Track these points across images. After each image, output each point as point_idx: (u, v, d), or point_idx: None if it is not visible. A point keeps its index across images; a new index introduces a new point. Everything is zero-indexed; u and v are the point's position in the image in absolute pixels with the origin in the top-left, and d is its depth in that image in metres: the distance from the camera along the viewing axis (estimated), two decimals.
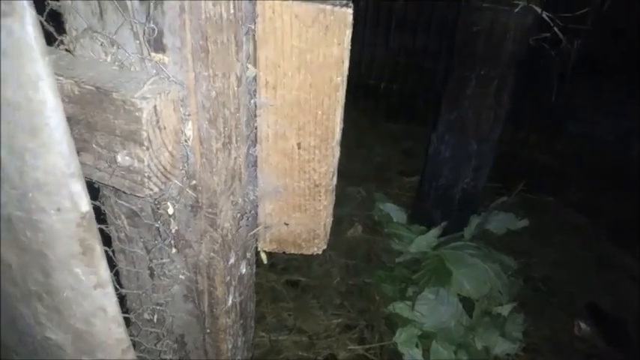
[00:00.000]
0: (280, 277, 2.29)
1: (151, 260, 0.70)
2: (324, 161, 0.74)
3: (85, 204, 0.43)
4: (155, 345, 0.80)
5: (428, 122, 2.78)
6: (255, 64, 0.66)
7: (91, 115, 0.52)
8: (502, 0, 1.91)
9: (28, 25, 0.35)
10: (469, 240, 2.49)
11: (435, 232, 2.46)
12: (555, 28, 1.88)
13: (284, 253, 0.87)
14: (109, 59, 0.55)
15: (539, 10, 1.89)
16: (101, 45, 0.55)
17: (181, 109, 0.55)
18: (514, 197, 2.91)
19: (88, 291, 0.47)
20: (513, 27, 1.97)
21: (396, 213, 2.74)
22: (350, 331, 2.08)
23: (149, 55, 0.53)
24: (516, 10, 1.89)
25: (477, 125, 2.31)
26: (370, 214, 2.77)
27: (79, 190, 0.42)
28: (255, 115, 0.70)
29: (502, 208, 2.84)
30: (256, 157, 0.74)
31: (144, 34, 0.52)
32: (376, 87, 3.24)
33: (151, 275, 0.73)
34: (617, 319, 2.35)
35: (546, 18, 1.88)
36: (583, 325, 2.21)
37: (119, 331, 0.50)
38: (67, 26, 0.55)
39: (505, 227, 2.76)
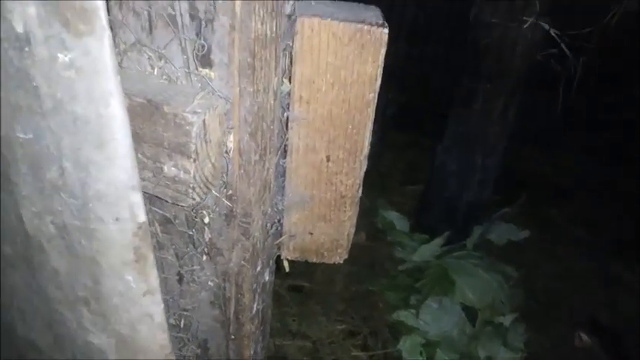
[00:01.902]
0: (284, 281, 2.30)
1: (181, 267, 0.72)
2: (352, 174, 0.76)
3: (142, 214, 0.45)
4: (180, 350, 0.81)
5: (431, 132, 2.81)
6: (290, 79, 0.68)
7: (140, 127, 0.53)
8: (511, 16, 1.94)
9: (106, 44, 0.37)
10: (472, 250, 2.51)
11: (438, 241, 2.48)
12: (562, 45, 1.91)
13: (306, 261, 0.89)
14: (155, 72, 0.57)
15: (547, 26, 1.92)
16: (148, 58, 0.56)
17: (225, 122, 0.57)
18: (516, 208, 2.94)
19: (137, 298, 0.49)
20: (521, 42, 2.00)
21: (398, 221, 2.76)
22: (353, 338, 2.09)
23: (196, 69, 0.55)
24: (525, 25, 1.92)
25: (483, 139, 2.33)
26: (373, 221, 2.79)
27: (138, 201, 0.44)
28: (287, 128, 0.72)
29: (504, 219, 2.86)
30: (285, 168, 0.76)
31: (193, 49, 0.54)
32: (384, 97, 3.27)
33: (180, 281, 0.74)
34: (615, 331, 2.37)
35: (554, 35, 1.91)
36: (584, 337, 2.23)
37: (164, 337, 0.52)
38: (115, 39, 0.57)
39: (506, 238, 2.78)
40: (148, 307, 0.49)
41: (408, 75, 3.02)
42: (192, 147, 0.52)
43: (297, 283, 2.32)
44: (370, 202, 2.93)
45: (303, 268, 2.37)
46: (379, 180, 3.13)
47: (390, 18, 0.71)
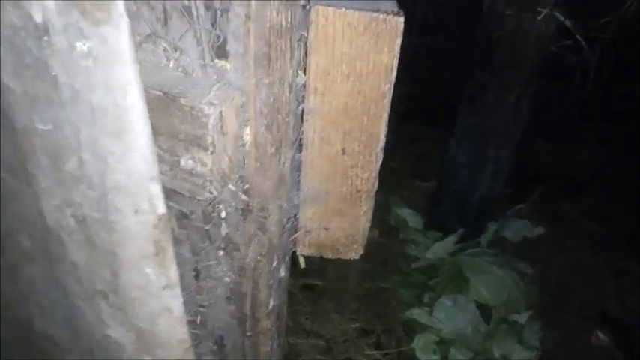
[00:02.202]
0: (297, 280, 2.30)
1: (197, 262, 0.71)
2: (368, 167, 0.75)
3: (162, 206, 0.44)
4: (196, 347, 0.81)
5: (443, 126, 2.79)
6: (304, 71, 0.67)
7: (156, 119, 0.53)
8: (525, 7, 1.91)
9: (123, 32, 0.37)
10: (486, 247, 2.49)
11: (452, 238, 2.46)
12: (578, 36, 1.88)
13: (319, 259, 0.88)
14: (171, 64, 0.56)
15: (562, 17, 1.90)
16: (164, 50, 0.56)
17: (241, 114, 0.56)
18: (530, 204, 2.91)
19: (157, 291, 0.48)
20: (535, 34, 1.97)
21: (412, 218, 2.74)
22: (367, 336, 2.08)
23: (212, 61, 0.55)
24: (539, 17, 1.89)
25: (495, 132, 2.31)
26: (386, 218, 2.78)
27: (158, 192, 0.43)
28: (302, 121, 0.71)
29: (518, 215, 2.83)
30: (300, 162, 0.75)
31: (209, 40, 0.53)
32: (397, 90, 3.22)
33: (196, 277, 0.74)
34: (630, 326, 2.33)
35: (569, 26, 1.88)
36: (601, 335, 2.20)
37: (183, 331, 0.51)
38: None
39: (521, 234, 2.75)
40: (167, 301, 0.49)
41: (420, 68, 3.01)
42: (209, 139, 0.51)
43: (310, 282, 2.31)
44: (383, 198, 2.91)
45: (315, 265, 2.37)
46: (391, 175, 3.11)
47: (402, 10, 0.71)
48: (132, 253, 0.46)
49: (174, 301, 0.49)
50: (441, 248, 2.47)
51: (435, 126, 3.29)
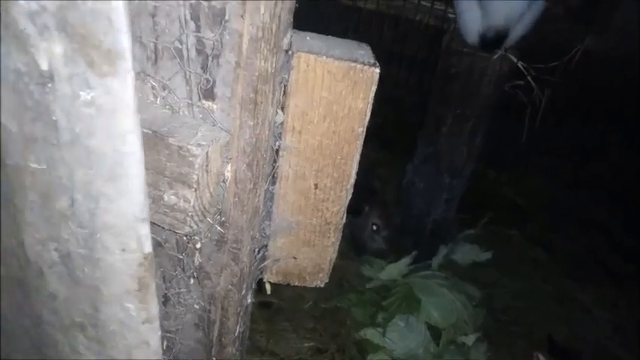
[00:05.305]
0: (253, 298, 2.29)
1: (167, 289, 0.72)
2: (338, 201, 0.79)
3: (149, 245, 0.46)
4: None
5: (401, 152, 2.89)
6: (283, 110, 0.70)
7: None
8: None
9: (129, 85, 0.39)
10: (437, 269, 2.58)
11: (406, 260, 2.53)
12: (529, 77, 2.02)
13: (288, 284, 0.91)
14: (158, 102, 0.58)
15: (514, 59, 2.03)
16: (152, 88, 0.58)
17: (224, 153, 0.59)
18: (479, 230, 3.03)
19: (137, 325, 0.49)
20: (490, 72, 2.10)
21: None
22: (321, 355, 2.10)
23: (199, 101, 0.57)
24: (494, 57, 2.02)
25: (451, 161, 2.42)
26: (342, 240, 2.82)
27: (147, 232, 0.45)
28: (278, 156, 0.74)
29: (468, 240, 2.95)
30: (273, 194, 0.78)
31: (198, 82, 0.56)
32: None
33: (165, 303, 0.75)
34: (571, 351, 2.47)
35: (521, 67, 2.02)
36: (542, 358, 2.31)
37: None
38: None
39: (470, 258, 2.86)
40: (146, 335, 0.50)
41: (383, 97, 3.13)
42: (195, 177, 0.53)
43: (266, 300, 2.31)
44: None
45: (272, 284, 2.37)
46: None
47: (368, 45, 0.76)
48: (115, 289, 0.47)
49: (153, 334, 0.50)
50: (394, 270, 2.53)
51: (395, 152, 3.40)
